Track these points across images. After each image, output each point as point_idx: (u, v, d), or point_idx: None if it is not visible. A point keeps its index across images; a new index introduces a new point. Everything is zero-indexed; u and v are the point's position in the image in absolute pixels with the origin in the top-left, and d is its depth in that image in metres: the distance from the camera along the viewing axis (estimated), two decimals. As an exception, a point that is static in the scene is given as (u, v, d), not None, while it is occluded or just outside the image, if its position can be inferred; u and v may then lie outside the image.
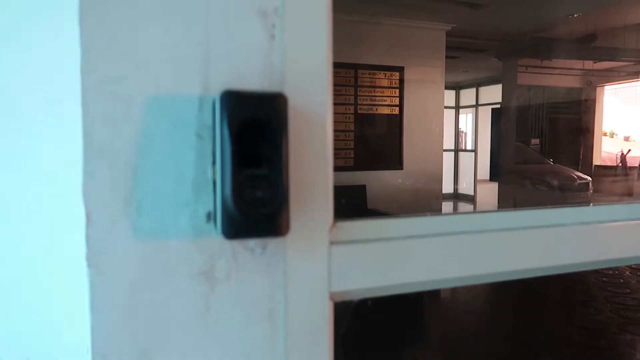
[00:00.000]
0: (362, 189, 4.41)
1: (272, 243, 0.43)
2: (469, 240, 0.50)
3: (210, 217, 0.41)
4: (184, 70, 0.40)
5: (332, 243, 0.45)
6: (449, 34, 4.96)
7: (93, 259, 0.38)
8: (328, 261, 0.45)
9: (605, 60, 7.49)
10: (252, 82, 0.41)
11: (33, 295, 0.48)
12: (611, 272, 4.17)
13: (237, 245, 0.42)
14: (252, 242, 0.42)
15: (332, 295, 0.45)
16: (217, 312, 0.42)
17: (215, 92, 0.40)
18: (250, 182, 0.36)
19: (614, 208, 0.60)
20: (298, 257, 0.44)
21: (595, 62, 7.84)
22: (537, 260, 0.53)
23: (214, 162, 0.40)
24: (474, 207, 8.31)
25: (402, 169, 4.74)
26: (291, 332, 0.44)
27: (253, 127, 0.37)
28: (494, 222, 0.51)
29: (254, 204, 0.37)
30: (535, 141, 8.26)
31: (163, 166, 0.39)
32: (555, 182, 7.16)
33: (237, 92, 0.37)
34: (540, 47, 6.74)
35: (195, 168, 0.40)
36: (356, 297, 0.47)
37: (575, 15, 5.62)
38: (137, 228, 0.39)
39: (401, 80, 4.74)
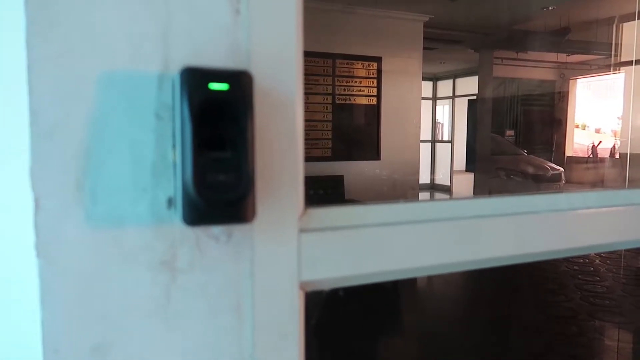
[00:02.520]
0: (340, 179, 4.41)
1: (238, 230, 0.41)
2: (443, 228, 0.49)
3: (171, 203, 0.38)
4: (142, 46, 0.37)
5: (302, 230, 0.43)
6: (426, 25, 4.97)
7: (43, 249, 0.35)
8: (298, 249, 0.43)
9: (577, 53, 7.63)
10: (216, 60, 0.39)
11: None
12: (581, 260, 4.28)
13: (201, 232, 0.39)
14: (217, 230, 0.40)
15: (302, 285, 0.44)
16: (179, 303, 0.39)
17: (176, 70, 0.38)
18: (212, 166, 0.34)
19: (586, 195, 0.59)
20: (266, 245, 0.42)
21: (568, 55, 7.98)
22: (512, 248, 0.52)
23: (174, 145, 0.37)
24: (450, 198, 8.40)
25: (379, 159, 4.75)
26: (259, 323, 0.42)
27: (216, 107, 0.35)
28: (468, 209, 0.50)
29: (217, 188, 0.34)
30: (509, 132, 8.39)
31: (119, 149, 0.37)
32: (529, 173, 7.29)
33: (198, 69, 0.35)
34: (515, 39, 6.82)
35: (155, 151, 0.38)
36: (328, 286, 0.46)
37: (550, 8, 5.70)
38: (90, 215, 0.36)
39: (379, 71, 4.74)
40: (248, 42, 0.40)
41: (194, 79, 0.34)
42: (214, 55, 0.39)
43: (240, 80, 0.36)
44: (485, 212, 0.51)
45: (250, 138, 0.36)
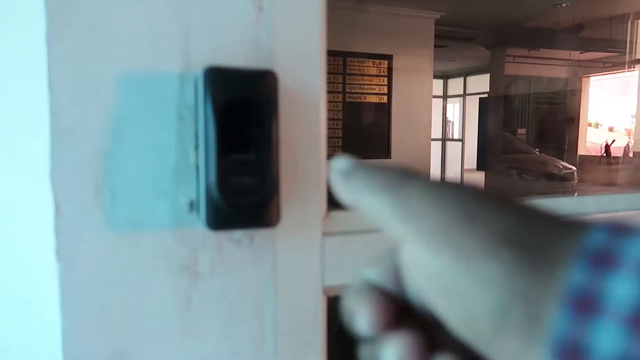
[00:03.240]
0: (350, 178, 4.38)
1: (261, 234, 0.39)
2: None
3: (192, 206, 0.37)
4: (163, 44, 0.36)
5: (325, 234, 0.42)
6: (437, 23, 4.93)
7: (63, 254, 0.34)
8: (321, 253, 0.42)
9: (591, 50, 7.54)
10: (238, 58, 0.38)
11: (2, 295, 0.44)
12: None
13: (222, 236, 0.38)
14: (239, 234, 0.39)
15: (325, 290, 0.42)
16: (200, 309, 0.38)
17: (198, 69, 0.36)
18: (237, 169, 0.33)
19: (614, 198, 0.57)
20: (289, 249, 0.40)
21: (581, 53, 7.89)
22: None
23: (196, 146, 0.36)
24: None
25: (390, 157, 4.72)
26: (281, 330, 0.41)
27: (240, 108, 0.34)
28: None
29: (241, 192, 0.33)
30: (521, 131, 8.30)
31: (139, 150, 0.36)
32: (541, 172, 7.21)
33: (222, 69, 0.34)
34: (528, 37, 6.75)
35: (176, 153, 0.37)
36: (350, 291, 0.44)
37: (564, 5, 5.62)
38: (110, 219, 0.35)
39: (390, 69, 4.71)
40: (271, 40, 0.39)
41: (218, 79, 0.33)
42: (236, 53, 0.38)
43: (265, 80, 0.34)
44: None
45: (275, 140, 0.35)
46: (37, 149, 0.35)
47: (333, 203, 0.44)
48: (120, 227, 0.35)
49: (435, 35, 4.94)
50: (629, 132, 8.89)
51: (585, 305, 0.14)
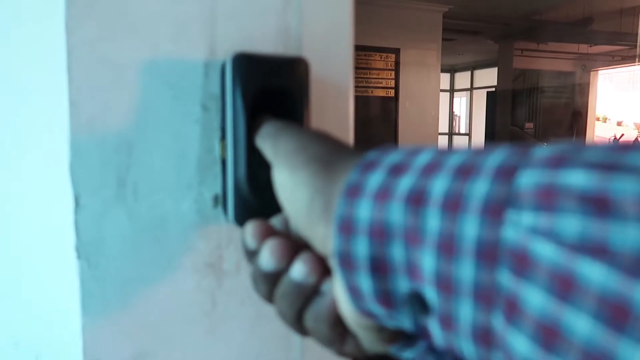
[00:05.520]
0: (357, 172, 4.36)
1: (287, 231, 0.38)
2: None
3: (217, 201, 0.35)
4: (186, 29, 0.34)
5: (353, 231, 0.40)
6: (445, 16, 4.88)
7: (84, 250, 0.32)
8: (349, 251, 0.40)
9: (600, 44, 7.45)
10: (265, 45, 0.36)
11: (19, 291, 0.42)
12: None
13: (248, 233, 0.36)
14: (265, 230, 0.37)
15: (352, 289, 0.41)
16: (225, 309, 0.37)
17: (222, 57, 0.35)
18: (266, 162, 0.31)
19: None
20: (316, 247, 0.39)
21: (590, 46, 7.80)
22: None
23: (222, 138, 0.34)
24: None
25: (397, 152, 4.69)
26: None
27: (270, 98, 0.32)
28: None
29: (271, 186, 0.31)
30: (529, 125, 8.24)
31: (163, 142, 0.34)
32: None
33: (252, 56, 0.32)
34: (536, 30, 6.67)
35: (201, 145, 0.35)
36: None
37: (573, -2, 5.55)
38: (132, 214, 0.33)
39: (397, 63, 4.67)
40: (299, 26, 0.37)
41: (248, 67, 0.31)
42: (263, 39, 0.36)
43: (297, 68, 0.32)
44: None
45: (306, 131, 0.33)
46: (55, 140, 0.33)
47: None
48: (143, 222, 0.34)
49: (442, 29, 4.89)
50: (637, 127, 8.80)
51: (354, 192, 0.20)
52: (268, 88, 0.31)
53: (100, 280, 0.33)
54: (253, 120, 0.31)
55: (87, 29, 0.32)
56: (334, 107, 0.38)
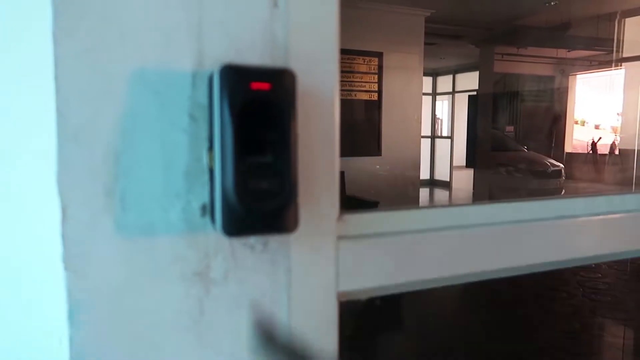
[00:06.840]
0: (341, 175, 4.37)
1: (274, 239, 0.38)
2: (484, 233, 0.47)
3: (205, 210, 0.36)
4: (174, 40, 0.34)
5: (340, 237, 0.41)
6: (427, 20, 4.93)
7: (71, 261, 0.32)
8: (336, 257, 0.41)
9: (578, 49, 7.61)
10: (252, 56, 0.36)
11: (6, 302, 0.42)
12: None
13: (236, 241, 0.37)
14: (252, 238, 0.37)
15: (339, 295, 0.41)
16: (213, 317, 0.37)
17: (210, 67, 0.35)
18: (254, 172, 0.32)
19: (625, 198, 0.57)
20: (303, 254, 0.39)
21: (568, 51, 7.95)
22: (555, 253, 0.49)
23: (210, 148, 0.35)
24: (449, 194, 8.40)
25: (380, 155, 4.72)
26: (295, 336, 0.40)
27: (257, 108, 0.32)
28: (509, 214, 0.48)
29: (259, 196, 0.32)
30: (509, 128, 8.36)
31: (150, 152, 0.34)
32: (529, 169, 7.28)
33: (239, 67, 0.32)
34: (516, 34, 6.79)
35: (188, 154, 0.35)
36: (364, 296, 0.43)
37: (552, 3, 5.66)
38: (120, 224, 0.33)
39: (380, 66, 4.70)
40: (286, 37, 0.37)
41: (235, 78, 0.31)
42: (250, 50, 0.36)
43: (283, 79, 0.33)
44: (527, 217, 0.48)
45: (294, 141, 0.33)
46: (42, 151, 0.33)
47: (345, 205, 0.42)
48: (131, 232, 0.34)
49: (425, 33, 4.94)
50: (614, 130, 9.00)
51: None
52: (255, 99, 0.32)
53: (88, 290, 0.33)
54: (240, 132, 0.31)
55: (75, 40, 0.32)
56: (320, 117, 0.39)
